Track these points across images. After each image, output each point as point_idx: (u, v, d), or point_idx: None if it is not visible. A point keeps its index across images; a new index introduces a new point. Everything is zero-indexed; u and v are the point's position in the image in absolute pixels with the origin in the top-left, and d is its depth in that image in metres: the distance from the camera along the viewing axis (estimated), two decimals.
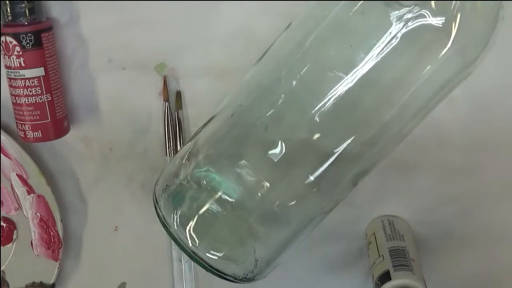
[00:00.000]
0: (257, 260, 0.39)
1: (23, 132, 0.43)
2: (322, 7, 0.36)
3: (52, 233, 0.48)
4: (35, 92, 0.42)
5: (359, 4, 0.34)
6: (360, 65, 0.34)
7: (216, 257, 0.38)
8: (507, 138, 0.45)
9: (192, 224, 0.38)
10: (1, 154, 0.46)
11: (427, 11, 0.32)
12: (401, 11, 0.32)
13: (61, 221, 0.48)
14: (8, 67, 0.42)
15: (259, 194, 0.37)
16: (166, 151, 0.47)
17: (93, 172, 0.49)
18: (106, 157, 0.48)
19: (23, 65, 0.41)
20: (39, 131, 0.43)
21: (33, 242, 0.49)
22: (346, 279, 0.51)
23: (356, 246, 0.49)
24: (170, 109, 0.46)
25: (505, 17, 0.35)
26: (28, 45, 0.41)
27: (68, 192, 0.49)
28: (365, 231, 0.48)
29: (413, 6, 0.32)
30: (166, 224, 0.38)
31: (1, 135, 0.46)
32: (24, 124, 0.43)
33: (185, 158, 0.39)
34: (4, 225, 0.49)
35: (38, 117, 0.43)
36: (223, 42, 0.44)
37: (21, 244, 0.50)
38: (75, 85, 0.46)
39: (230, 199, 0.37)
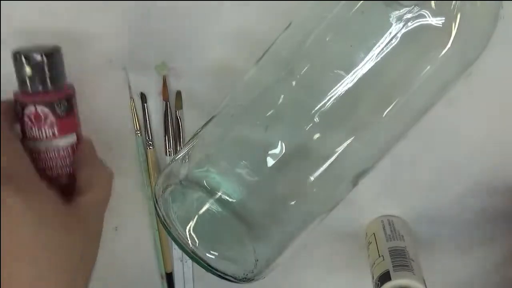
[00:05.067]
0: (257, 260, 0.39)
1: None
2: (322, 7, 0.36)
3: None
4: (68, 162, 0.40)
5: (359, 4, 0.34)
6: (360, 65, 0.34)
7: (216, 257, 0.38)
8: (507, 137, 0.45)
9: (192, 224, 0.38)
10: None
11: (427, 11, 0.32)
12: (401, 11, 0.33)
13: None
14: (36, 139, 0.38)
15: (259, 194, 0.37)
16: (166, 151, 0.47)
17: None
18: (106, 157, 0.48)
19: (56, 134, 0.39)
20: None
21: None
22: (346, 279, 0.51)
23: (356, 246, 0.49)
24: (170, 109, 0.46)
25: (505, 17, 0.35)
26: (62, 113, 0.39)
27: None
28: (365, 231, 0.48)
29: (413, 6, 0.32)
30: (166, 224, 0.38)
31: None
32: None
33: (185, 158, 0.39)
34: None
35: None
36: (223, 42, 0.44)
37: None
38: (75, 85, 0.46)
39: (230, 199, 0.37)
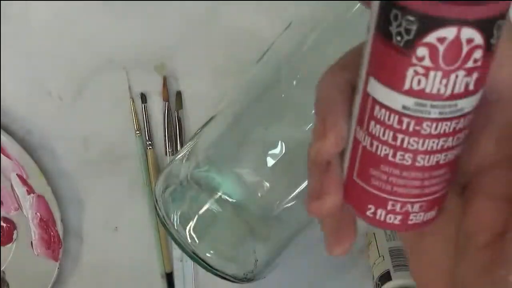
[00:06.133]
0: (257, 260, 0.39)
1: (401, 216, 0.21)
2: (322, 8, 0.36)
3: (52, 233, 0.48)
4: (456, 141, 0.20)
5: (358, 4, 0.34)
6: None
7: (216, 257, 0.38)
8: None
9: (192, 224, 0.38)
10: (1, 154, 0.46)
11: None
12: None
13: (61, 221, 0.48)
14: (432, 97, 0.18)
15: (259, 194, 0.37)
16: (166, 151, 0.47)
17: (93, 172, 0.49)
18: (106, 157, 0.48)
19: (471, 88, 0.19)
20: (431, 210, 0.21)
21: (33, 242, 0.49)
22: (346, 279, 0.51)
23: (356, 246, 0.49)
24: (170, 109, 0.46)
25: None
26: (494, 45, 0.18)
27: (68, 192, 0.49)
28: (365, 231, 0.48)
29: None
30: (166, 224, 0.38)
31: (1, 135, 0.46)
32: (413, 203, 0.20)
33: (185, 158, 0.39)
34: (4, 225, 0.49)
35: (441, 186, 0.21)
36: (223, 42, 0.44)
37: (21, 244, 0.50)
38: (75, 86, 0.46)
39: (230, 199, 0.37)
